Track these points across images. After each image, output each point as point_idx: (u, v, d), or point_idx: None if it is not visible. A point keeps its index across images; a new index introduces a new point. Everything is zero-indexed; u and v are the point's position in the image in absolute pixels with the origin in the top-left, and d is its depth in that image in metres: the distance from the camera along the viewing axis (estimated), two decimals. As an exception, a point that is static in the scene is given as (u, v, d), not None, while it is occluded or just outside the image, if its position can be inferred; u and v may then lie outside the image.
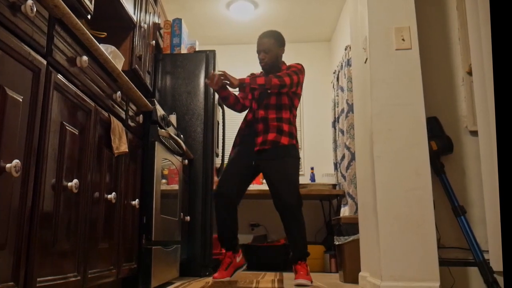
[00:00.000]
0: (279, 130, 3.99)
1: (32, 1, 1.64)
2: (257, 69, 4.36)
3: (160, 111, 3.47)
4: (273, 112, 4.02)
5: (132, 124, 3.02)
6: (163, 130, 3.41)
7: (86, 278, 2.21)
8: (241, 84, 3.91)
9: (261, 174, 4.16)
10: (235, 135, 4.18)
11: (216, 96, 5.07)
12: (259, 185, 5.95)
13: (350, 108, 5.25)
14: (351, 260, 3.99)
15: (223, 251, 4.05)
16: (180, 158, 4.05)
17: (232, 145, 4.17)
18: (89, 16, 2.87)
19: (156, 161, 3.27)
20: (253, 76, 4.12)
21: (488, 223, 3.12)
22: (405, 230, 2.95)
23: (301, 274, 3.78)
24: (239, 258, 4.04)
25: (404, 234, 2.94)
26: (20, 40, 1.63)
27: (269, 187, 4.01)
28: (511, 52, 1.54)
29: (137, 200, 3.02)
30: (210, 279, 4.02)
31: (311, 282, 3.74)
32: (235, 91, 4.25)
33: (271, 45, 4.12)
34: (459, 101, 3.53)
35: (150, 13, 4.55)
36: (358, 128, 3.92)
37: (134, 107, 3.08)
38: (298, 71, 4.06)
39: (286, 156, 3.98)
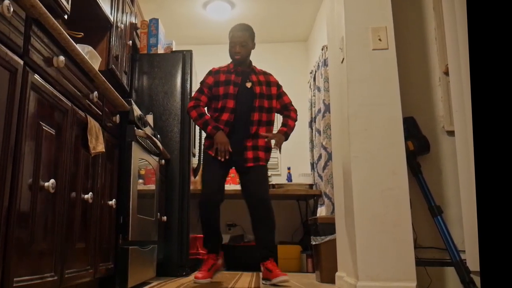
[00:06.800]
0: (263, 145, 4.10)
1: (9, 1, 1.63)
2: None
3: (137, 111, 3.45)
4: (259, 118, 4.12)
5: (109, 124, 3.00)
6: (140, 130, 3.39)
7: (63, 278, 2.19)
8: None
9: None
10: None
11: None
12: (236, 185, 5.94)
13: (327, 108, 5.27)
14: (328, 260, 4.01)
15: (203, 251, 4.04)
16: (157, 158, 4.03)
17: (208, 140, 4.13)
18: (66, 16, 2.86)
19: (132, 161, 3.25)
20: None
21: (464, 223, 3.14)
22: (381, 230, 2.96)
23: (277, 272, 3.80)
24: (220, 260, 4.06)
25: (380, 234, 2.96)
26: (-3, 39, 1.61)
27: (244, 182, 4.06)
28: (488, 52, 1.56)
29: (113, 200, 3.01)
30: (186, 280, 4.00)
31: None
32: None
33: (246, 39, 4.12)
34: (436, 101, 3.57)
35: (127, 13, 4.52)
36: (334, 128, 3.94)
37: (111, 107, 3.06)
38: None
39: (265, 161, 4.11)
